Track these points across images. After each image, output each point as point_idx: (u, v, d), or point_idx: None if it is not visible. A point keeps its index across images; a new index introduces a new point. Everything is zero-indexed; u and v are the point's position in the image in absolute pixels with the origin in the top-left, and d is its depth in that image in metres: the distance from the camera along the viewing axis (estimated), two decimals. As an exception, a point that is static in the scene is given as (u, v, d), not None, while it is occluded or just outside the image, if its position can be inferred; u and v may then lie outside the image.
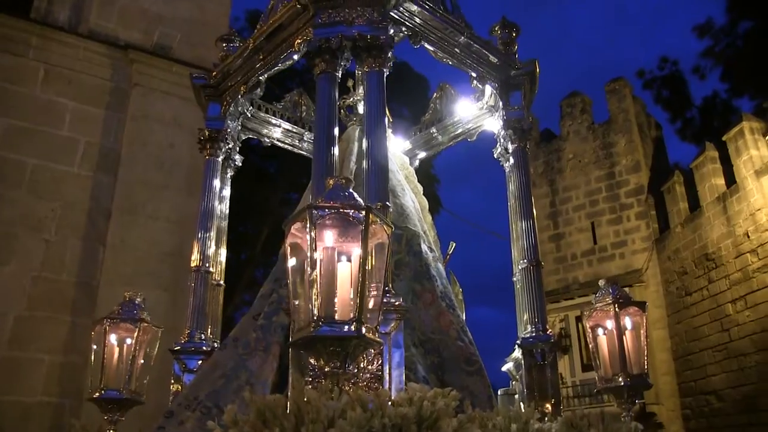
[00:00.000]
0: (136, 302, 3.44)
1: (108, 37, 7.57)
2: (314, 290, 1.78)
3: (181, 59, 9.30)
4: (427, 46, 3.32)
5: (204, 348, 3.26)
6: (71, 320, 6.32)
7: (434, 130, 4.17)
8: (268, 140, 4.21)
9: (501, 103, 3.56)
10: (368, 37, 2.98)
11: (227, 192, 3.87)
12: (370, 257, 1.91)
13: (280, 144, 4.24)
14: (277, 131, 4.17)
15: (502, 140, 3.66)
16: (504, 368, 3.29)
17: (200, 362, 3.18)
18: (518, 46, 3.77)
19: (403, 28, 3.21)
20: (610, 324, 2.95)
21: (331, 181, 2.01)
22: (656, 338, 13.95)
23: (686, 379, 13.45)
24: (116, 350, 3.34)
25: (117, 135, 7.56)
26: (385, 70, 3.01)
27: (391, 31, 3.09)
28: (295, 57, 3.36)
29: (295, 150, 4.33)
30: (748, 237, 11.71)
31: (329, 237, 1.90)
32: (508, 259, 3.67)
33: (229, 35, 4.07)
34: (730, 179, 12.49)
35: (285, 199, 19.83)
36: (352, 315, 1.79)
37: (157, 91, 9.02)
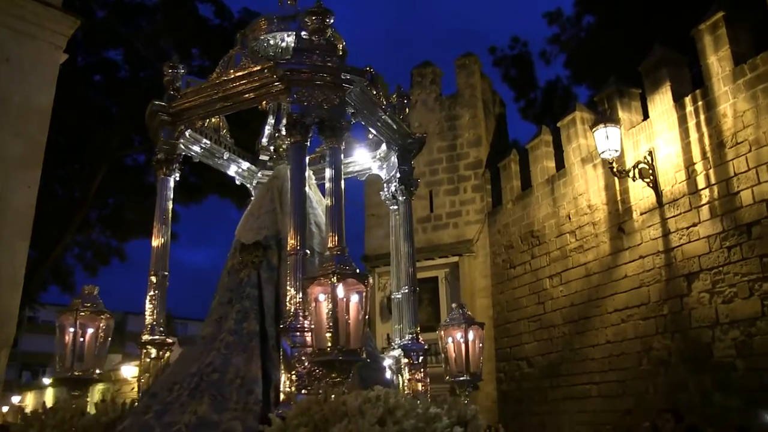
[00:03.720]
0: (95, 294, 4.84)
1: None
2: (334, 326, 3.51)
3: (8, -15, 9.87)
4: (361, 120, 5.06)
5: (166, 339, 4.83)
6: None
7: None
8: (195, 155, 5.63)
9: (398, 163, 5.42)
10: (333, 119, 4.59)
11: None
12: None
13: (204, 160, 5.70)
14: (206, 148, 5.64)
15: (393, 189, 5.55)
16: (385, 363, 5.20)
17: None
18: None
19: (350, 108, 4.84)
20: (459, 336, 4.95)
21: (336, 251, 3.72)
22: (479, 306, 16.81)
23: (503, 346, 16.48)
24: (79, 336, 4.73)
25: None
26: (341, 145, 4.69)
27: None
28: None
29: (215, 166, 5.86)
30: (569, 219, 14.59)
31: (341, 290, 3.61)
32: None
33: (173, 63, 5.35)
34: (560, 163, 15.32)
35: (126, 141, 20.17)
36: (358, 345, 3.59)
37: (-20, 18, 9.57)
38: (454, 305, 5.20)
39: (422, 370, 5.02)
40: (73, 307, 4.69)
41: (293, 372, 3.96)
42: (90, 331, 4.70)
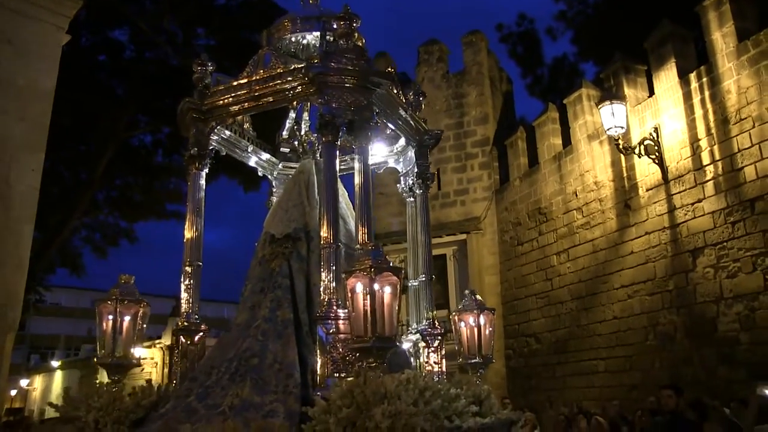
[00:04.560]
0: (132, 283, 5.27)
1: None
2: (371, 316, 3.95)
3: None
4: (384, 119, 5.53)
5: (201, 326, 5.29)
6: None
7: (348, 158, 6.12)
8: (220, 147, 6.02)
9: (415, 158, 5.88)
10: (361, 120, 5.01)
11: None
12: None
13: (228, 152, 6.12)
14: (229, 140, 6.06)
15: (410, 182, 6.04)
16: (405, 347, 5.67)
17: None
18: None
19: (375, 108, 5.23)
20: (471, 320, 5.42)
21: (370, 247, 4.20)
22: (488, 283, 17.30)
23: (511, 322, 17.00)
24: (118, 324, 5.15)
25: None
26: (369, 144, 5.14)
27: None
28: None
29: (238, 158, 6.30)
30: (576, 195, 15.02)
31: (377, 284, 4.04)
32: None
33: (202, 60, 5.71)
34: (567, 140, 15.72)
35: (133, 122, 20.41)
36: (392, 333, 4.03)
37: (-19, -1, 9.85)
38: (466, 291, 5.68)
39: (438, 353, 5.55)
40: (111, 295, 5.10)
41: (328, 357, 4.46)
42: (127, 318, 5.12)
